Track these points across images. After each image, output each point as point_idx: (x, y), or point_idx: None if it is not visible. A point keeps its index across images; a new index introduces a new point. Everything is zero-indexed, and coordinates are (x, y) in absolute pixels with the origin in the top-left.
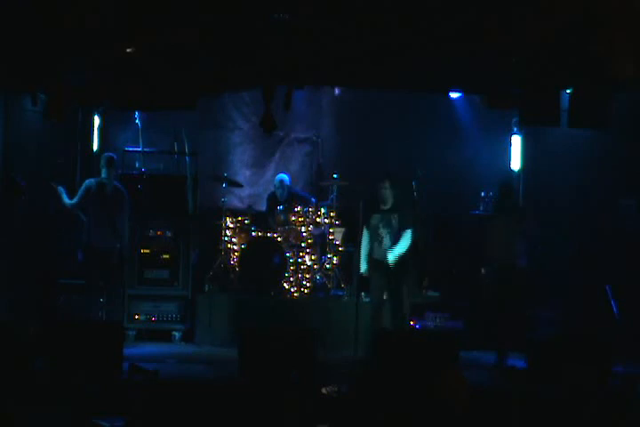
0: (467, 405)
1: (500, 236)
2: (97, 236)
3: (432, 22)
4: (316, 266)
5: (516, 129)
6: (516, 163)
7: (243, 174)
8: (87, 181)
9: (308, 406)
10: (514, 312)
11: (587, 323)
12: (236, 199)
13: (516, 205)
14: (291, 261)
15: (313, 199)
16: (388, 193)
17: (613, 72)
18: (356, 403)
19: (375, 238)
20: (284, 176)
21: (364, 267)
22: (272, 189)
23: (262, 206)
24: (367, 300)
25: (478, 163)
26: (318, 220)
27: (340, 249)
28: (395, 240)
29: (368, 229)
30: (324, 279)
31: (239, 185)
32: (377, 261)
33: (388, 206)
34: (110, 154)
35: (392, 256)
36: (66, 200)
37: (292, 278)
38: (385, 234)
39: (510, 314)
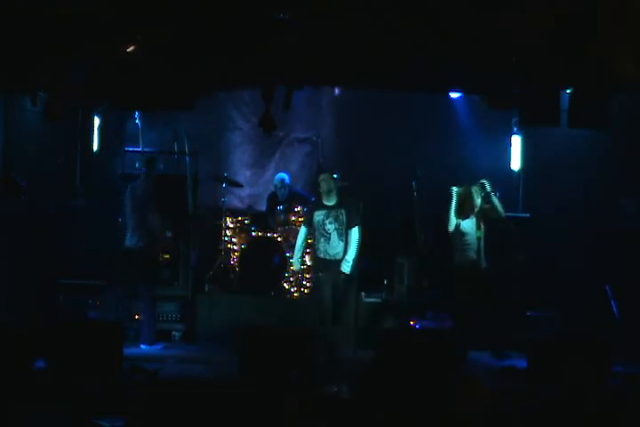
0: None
1: (462, 236)
2: (128, 236)
3: (432, 22)
4: None
5: (516, 129)
6: (515, 163)
7: (243, 174)
8: (128, 187)
9: (308, 406)
10: (492, 312)
11: (587, 323)
12: (236, 199)
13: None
14: (291, 261)
15: (313, 199)
16: (332, 185)
17: (613, 72)
18: (355, 403)
19: (321, 235)
20: (285, 175)
21: (297, 264)
22: (272, 189)
23: (262, 206)
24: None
25: (478, 163)
26: None
27: None
28: (343, 239)
29: (310, 226)
30: None
31: (239, 185)
32: (324, 261)
33: (332, 202)
34: (149, 154)
35: (347, 267)
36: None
37: (292, 278)
38: (332, 230)
39: (494, 315)
